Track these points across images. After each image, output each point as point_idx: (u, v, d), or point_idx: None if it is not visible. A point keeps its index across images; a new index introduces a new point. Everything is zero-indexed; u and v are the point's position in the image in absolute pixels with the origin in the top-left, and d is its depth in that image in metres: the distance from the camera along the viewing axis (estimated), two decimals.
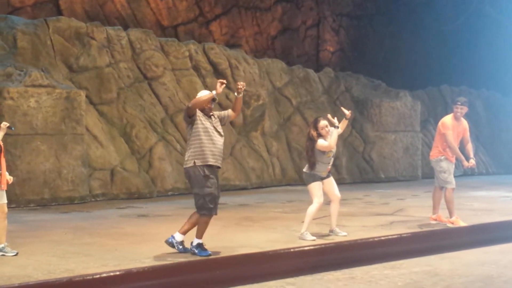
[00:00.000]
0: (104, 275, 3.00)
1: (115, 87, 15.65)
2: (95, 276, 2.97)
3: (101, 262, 7.22)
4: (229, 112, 7.99)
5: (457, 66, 26.66)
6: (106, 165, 14.72)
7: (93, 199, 14.17)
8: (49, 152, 13.40)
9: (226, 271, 3.39)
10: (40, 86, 13.42)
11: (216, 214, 7.83)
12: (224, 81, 7.71)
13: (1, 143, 7.73)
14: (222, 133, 7.73)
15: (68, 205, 13.25)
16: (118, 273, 3.09)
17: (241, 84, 7.65)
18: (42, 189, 13.30)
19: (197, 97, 7.75)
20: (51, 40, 14.99)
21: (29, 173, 13.15)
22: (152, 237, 9.06)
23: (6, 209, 7.73)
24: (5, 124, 7.90)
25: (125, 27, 17.47)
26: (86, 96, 14.61)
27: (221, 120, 7.87)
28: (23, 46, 14.30)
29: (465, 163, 10.04)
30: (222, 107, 17.47)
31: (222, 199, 14.43)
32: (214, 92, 7.63)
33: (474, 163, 10.14)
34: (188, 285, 3.28)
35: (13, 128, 8.24)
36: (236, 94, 7.70)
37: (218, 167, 7.76)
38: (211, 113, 7.78)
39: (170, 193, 15.48)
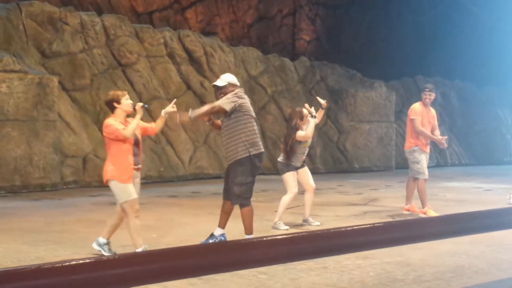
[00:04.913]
0: (74, 262, 2.96)
1: (88, 74, 15.48)
2: (64, 264, 2.92)
3: (72, 250, 7.15)
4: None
5: (432, 57, 26.84)
6: (79, 152, 14.58)
7: (64, 187, 14.02)
8: (20, 139, 13.22)
9: (198, 259, 3.36)
10: (12, 71, 13.22)
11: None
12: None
13: (139, 133, 6.82)
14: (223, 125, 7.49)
15: (39, 193, 13.10)
16: (88, 261, 3.04)
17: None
18: (13, 176, 13.12)
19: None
20: (23, 25, 14.76)
21: None
22: (124, 225, 8.98)
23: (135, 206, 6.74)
24: (139, 105, 6.74)
25: (99, 13, 17.27)
26: (59, 82, 14.43)
27: None
28: None
29: (439, 141, 10.12)
30: (197, 95, 17.43)
31: (195, 188, 14.45)
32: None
33: (445, 137, 10.32)
34: (160, 273, 3.25)
35: (146, 106, 6.97)
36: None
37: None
38: None
39: (143, 181, 15.33)
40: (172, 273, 3.34)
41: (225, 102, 7.27)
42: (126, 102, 6.67)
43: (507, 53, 27.52)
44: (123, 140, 6.52)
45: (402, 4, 26.35)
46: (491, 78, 26.94)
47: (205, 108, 7.42)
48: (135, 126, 6.58)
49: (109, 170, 6.60)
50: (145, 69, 16.63)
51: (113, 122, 6.58)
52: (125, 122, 6.67)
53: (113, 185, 6.61)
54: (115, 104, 6.66)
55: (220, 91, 7.50)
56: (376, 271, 6.21)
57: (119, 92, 6.81)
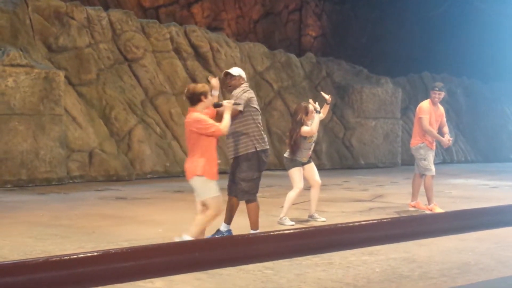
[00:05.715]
0: (81, 255, 2.96)
1: (94, 68, 15.50)
2: (72, 257, 2.93)
3: (78, 244, 7.16)
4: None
5: (438, 53, 26.75)
6: (85, 146, 14.60)
7: (71, 181, 14.05)
8: (26, 133, 13.25)
9: (205, 253, 3.37)
10: (19, 65, 13.24)
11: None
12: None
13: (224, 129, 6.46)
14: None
15: (45, 187, 13.13)
16: (96, 253, 3.05)
17: None
18: (19, 170, 13.16)
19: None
20: (30, 19, 14.78)
21: (6, 154, 13.00)
22: (130, 220, 9.01)
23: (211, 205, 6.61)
24: (230, 102, 6.62)
25: (106, 8, 17.29)
26: (65, 77, 14.46)
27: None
28: (2, 25, 14.07)
29: (444, 142, 10.14)
30: None
31: None
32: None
33: (450, 139, 10.33)
34: (166, 267, 3.26)
35: (240, 104, 7.00)
36: None
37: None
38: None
39: (149, 176, 15.41)
40: (178, 267, 3.35)
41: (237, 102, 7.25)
42: (211, 97, 6.52)
43: None
44: (215, 136, 6.37)
45: (409, 1, 26.26)
46: (498, 75, 26.85)
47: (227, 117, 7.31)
48: (229, 122, 6.47)
49: (200, 165, 6.36)
50: (151, 64, 16.64)
51: (205, 117, 6.35)
52: None
53: (200, 180, 6.42)
54: (203, 98, 6.38)
55: (230, 81, 7.50)
56: (382, 267, 6.21)
57: (208, 86, 6.58)
